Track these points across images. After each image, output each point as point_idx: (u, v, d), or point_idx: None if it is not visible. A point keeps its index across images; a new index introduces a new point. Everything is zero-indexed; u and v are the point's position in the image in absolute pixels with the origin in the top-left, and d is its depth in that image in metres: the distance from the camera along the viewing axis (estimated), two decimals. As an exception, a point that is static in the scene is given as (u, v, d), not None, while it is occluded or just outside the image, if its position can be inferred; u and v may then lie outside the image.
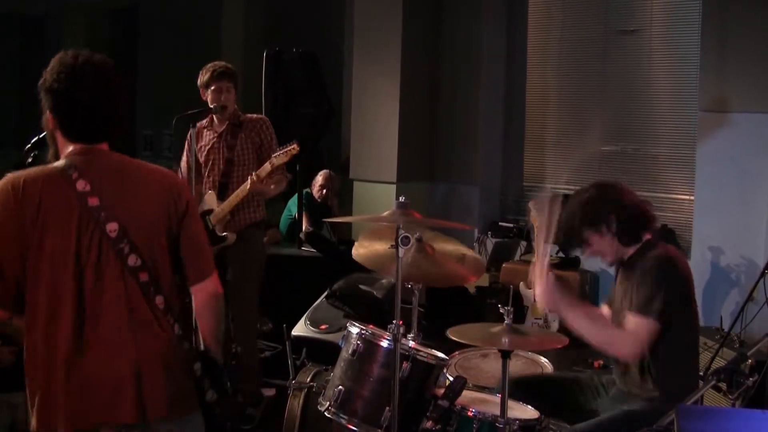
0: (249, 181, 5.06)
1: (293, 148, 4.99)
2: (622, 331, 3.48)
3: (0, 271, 2.49)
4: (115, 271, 2.52)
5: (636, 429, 3.40)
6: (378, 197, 8.15)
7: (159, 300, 2.57)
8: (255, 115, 5.47)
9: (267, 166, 5.04)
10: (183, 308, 2.70)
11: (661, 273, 3.48)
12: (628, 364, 3.63)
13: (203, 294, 2.71)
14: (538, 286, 3.63)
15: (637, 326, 3.44)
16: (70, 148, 2.61)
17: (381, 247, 3.72)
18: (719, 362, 4.66)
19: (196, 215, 2.76)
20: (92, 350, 2.49)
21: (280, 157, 5.01)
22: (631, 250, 3.65)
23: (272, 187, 5.23)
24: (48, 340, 2.49)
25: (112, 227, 2.52)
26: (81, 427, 2.49)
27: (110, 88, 2.61)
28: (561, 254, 7.40)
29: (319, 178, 7.85)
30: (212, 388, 2.61)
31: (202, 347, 2.71)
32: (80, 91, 2.56)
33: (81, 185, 2.51)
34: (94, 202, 2.51)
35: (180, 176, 5.44)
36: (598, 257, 3.75)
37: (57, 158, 2.64)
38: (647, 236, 3.63)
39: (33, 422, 2.52)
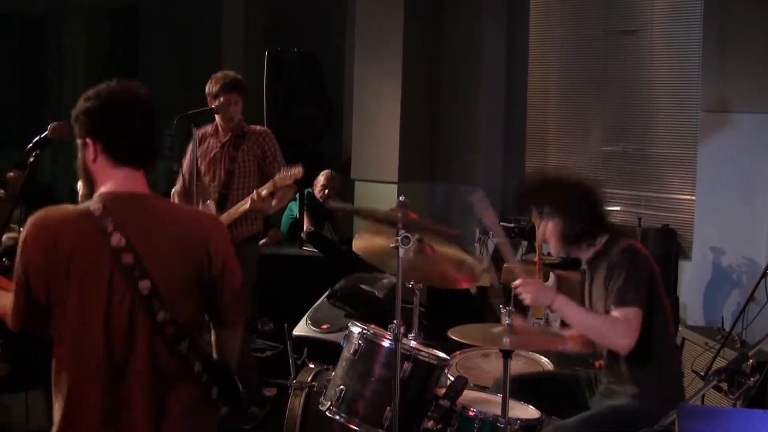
0: (249, 199, 5.07)
1: (298, 173, 4.99)
2: (615, 320, 3.46)
3: (17, 302, 2.53)
4: (145, 328, 2.50)
5: (619, 424, 3.42)
6: (379, 197, 8.15)
7: (183, 346, 2.54)
8: (258, 127, 5.48)
9: (270, 185, 5.04)
10: (201, 338, 2.70)
11: (630, 262, 3.50)
12: (610, 361, 3.65)
13: (229, 334, 2.75)
14: (529, 287, 3.63)
15: (623, 318, 3.43)
16: (112, 178, 2.56)
17: (381, 242, 3.73)
18: (720, 362, 4.65)
19: (232, 265, 2.70)
20: (118, 405, 2.50)
21: (284, 179, 5.01)
22: (590, 252, 3.68)
23: (273, 203, 5.23)
24: (73, 394, 2.50)
25: (144, 285, 2.48)
26: None
27: (152, 114, 2.63)
28: (561, 254, 7.40)
29: (321, 178, 7.85)
30: (225, 405, 2.63)
31: (215, 358, 2.71)
32: (131, 111, 2.56)
33: (116, 240, 2.46)
34: (128, 258, 2.47)
35: (182, 181, 5.43)
36: (544, 240, 3.78)
37: (92, 192, 2.60)
38: (604, 238, 3.65)
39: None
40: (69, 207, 2.57)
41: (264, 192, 5.04)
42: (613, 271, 3.49)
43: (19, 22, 15.02)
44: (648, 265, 3.56)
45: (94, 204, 2.51)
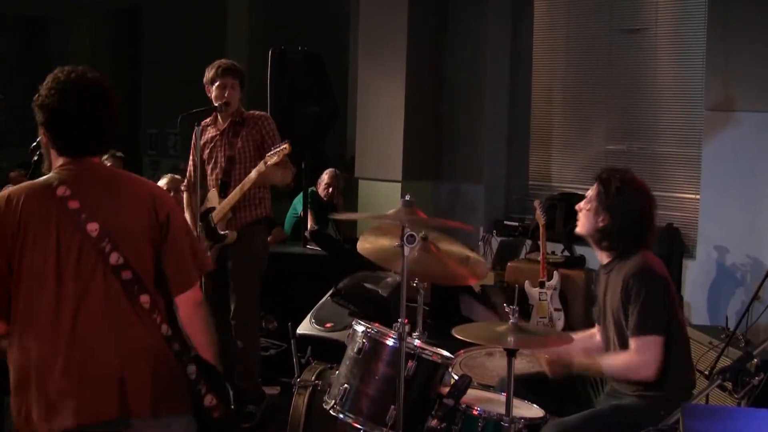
0: (253, 172, 5.05)
1: (285, 147, 4.98)
2: (633, 356, 3.50)
3: None
4: (96, 271, 2.54)
5: (623, 422, 3.43)
6: (383, 196, 8.15)
7: (144, 298, 2.58)
8: (257, 112, 5.46)
9: (261, 166, 5.03)
10: (171, 309, 2.70)
11: (648, 285, 3.51)
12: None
13: (187, 304, 2.72)
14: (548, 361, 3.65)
15: (642, 348, 3.48)
16: (60, 161, 2.67)
17: (386, 242, 3.73)
18: (725, 361, 4.64)
19: (179, 226, 2.75)
20: (75, 350, 2.51)
21: (272, 157, 5.01)
22: (608, 256, 3.68)
23: (279, 174, 5.20)
24: (29, 343, 2.51)
25: (92, 227, 2.55)
26: (65, 426, 2.50)
27: (99, 104, 2.67)
28: (566, 253, 7.40)
29: (325, 177, 7.85)
30: (211, 392, 2.61)
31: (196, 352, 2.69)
32: (68, 107, 2.62)
33: (61, 191, 2.56)
34: (74, 205, 2.55)
35: (188, 175, 5.45)
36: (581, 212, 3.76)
37: (50, 171, 2.70)
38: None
39: (15, 424, 2.55)
40: (21, 184, 2.67)
41: (269, 161, 5.01)
42: (630, 292, 3.51)
43: (22, 23, 15.04)
44: (664, 283, 3.58)
45: (47, 175, 2.64)
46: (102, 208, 2.58)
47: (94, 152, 2.71)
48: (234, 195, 5.16)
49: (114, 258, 2.55)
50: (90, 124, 2.66)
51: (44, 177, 2.64)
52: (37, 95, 2.66)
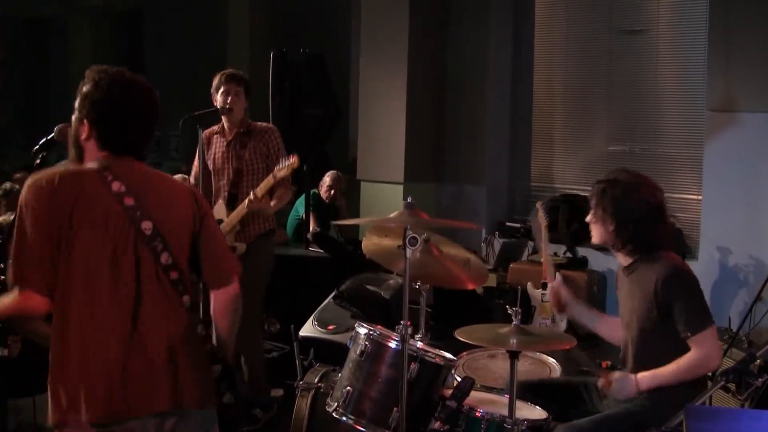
0: (246, 201, 5.07)
1: (294, 162, 5.00)
2: (696, 354, 3.48)
3: (41, 259, 2.53)
4: (149, 268, 2.60)
5: (634, 425, 3.42)
6: (385, 197, 8.16)
7: (186, 299, 2.66)
8: (263, 124, 5.48)
9: (270, 179, 5.05)
10: (203, 309, 2.79)
11: (683, 286, 3.54)
12: (628, 356, 3.65)
13: (225, 297, 2.80)
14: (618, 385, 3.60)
15: (704, 342, 3.47)
16: (102, 155, 2.67)
17: (388, 242, 3.73)
18: (728, 362, 4.64)
19: (215, 226, 2.86)
20: (131, 342, 2.55)
21: (282, 170, 5.02)
22: (629, 258, 3.67)
23: (273, 203, 5.23)
24: (84, 333, 2.53)
25: (146, 225, 2.60)
26: (118, 416, 2.54)
27: (152, 107, 2.75)
28: (569, 254, 7.40)
29: (327, 179, 7.86)
30: (229, 391, 2.71)
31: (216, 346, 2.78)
32: (128, 107, 2.67)
33: (116, 186, 2.59)
34: (129, 201, 2.59)
35: (191, 182, 5.45)
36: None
37: (80, 161, 2.70)
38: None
39: (55, 414, 2.55)
40: (65, 167, 2.68)
41: (259, 192, 5.04)
42: (670, 296, 3.50)
43: (24, 25, 15.07)
44: (695, 278, 3.61)
45: (92, 163, 2.65)
46: (154, 206, 2.63)
47: (139, 151, 2.74)
48: (241, 210, 5.17)
49: (165, 258, 2.62)
50: (142, 124, 2.72)
51: (90, 165, 2.65)
52: (86, 90, 2.66)
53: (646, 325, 3.56)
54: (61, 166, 2.71)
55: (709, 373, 4.09)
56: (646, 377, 3.54)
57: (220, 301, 2.79)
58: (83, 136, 2.68)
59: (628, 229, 3.61)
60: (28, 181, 2.60)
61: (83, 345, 2.53)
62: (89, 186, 2.58)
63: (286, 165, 5.01)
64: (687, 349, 3.51)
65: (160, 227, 2.62)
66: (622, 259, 3.73)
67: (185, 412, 2.62)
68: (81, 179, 2.60)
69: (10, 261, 2.57)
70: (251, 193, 5.06)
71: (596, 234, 3.73)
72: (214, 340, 2.80)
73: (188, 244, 2.71)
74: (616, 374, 3.61)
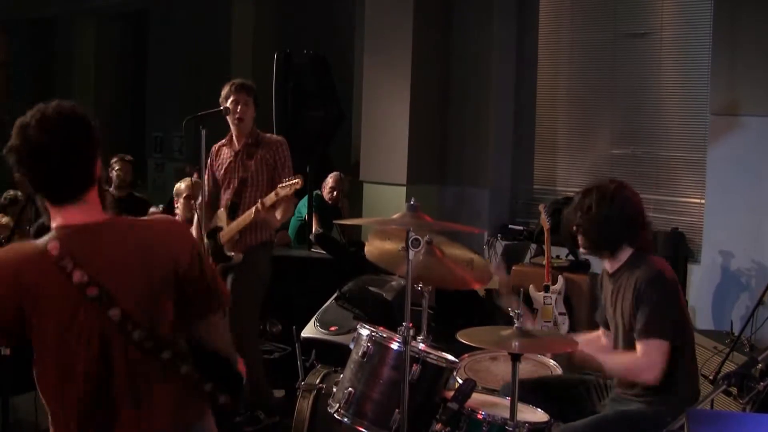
0: (254, 209, 5.09)
1: (297, 182, 5.00)
2: (637, 358, 3.52)
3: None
4: (122, 350, 2.47)
5: (630, 429, 3.43)
6: (388, 199, 8.16)
7: (165, 355, 2.51)
8: (273, 136, 5.51)
9: (272, 196, 5.05)
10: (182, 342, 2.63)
11: (655, 292, 3.53)
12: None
13: (212, 322, 2.64)
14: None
15: (647, 350, 3.48)
16: (58, 215, 2.46)
17: (391, 246, 3.74)
18: (729, 366, 4.64)
19: (204, 260, 2.65)
20: (108, 420, 2.48)
21: (284, 188, 5.03)
22: (616, 264, 3.69)
23: (278, 216, 5.25)
24: (58, 419, 2.49)
25: (114, 313, 2.43)
26: None
27: (78, 140, 2.43)
28: (571, 257, 7.40)
29: (330, 180, 7.87)
30: (224, 392, 2.60)
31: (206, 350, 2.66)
32: (46, 151, 2.39)
33: (78, 276, 2.40)
34: (93, 292, 2.41)
35: (207, 194, 5.43)
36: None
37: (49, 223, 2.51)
38: (628, 252, 3.66)
39: None
40: (25, 245, 2.47)
41: (267, 202, 5.05)
42: (642, 298, 3.52)
43: (29, 26, 15.09)
44: (675, 288, 3.61)
45: (51, 242, 2.42)
46: (119, 284, 2.45)
47: (79, 192, 2.45)
48: (240, 222, 5.18)
49: (137, 335, 2.46)
50: (73, 169, 2.43)
51: (50, 246, 2.41)
52: (10, 142, 2.43)
53: (631, 330, 3.58)
54: (26, 244, 2.49)
55: (710, 377, 4.10)
56: (584, 354, 3.63)
57: (212, 326, 2.64)
58: (33, 191, 2.48)
59: (609, 238, 3.66)
60: None
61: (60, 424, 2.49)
62: (50, 278, 2.39)
63: (290, 184, 5.02)
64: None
65: (130, 310, 2.45)
66: (608, 265, 3.76)
67: None
68: (41, 269, 2.40)
69: None
70: (259, 201, 5.07)
71: (582, 246, 3.78)
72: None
73: (170, 298, 2.54)
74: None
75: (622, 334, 3.65)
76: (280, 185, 5.05)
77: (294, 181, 5.02)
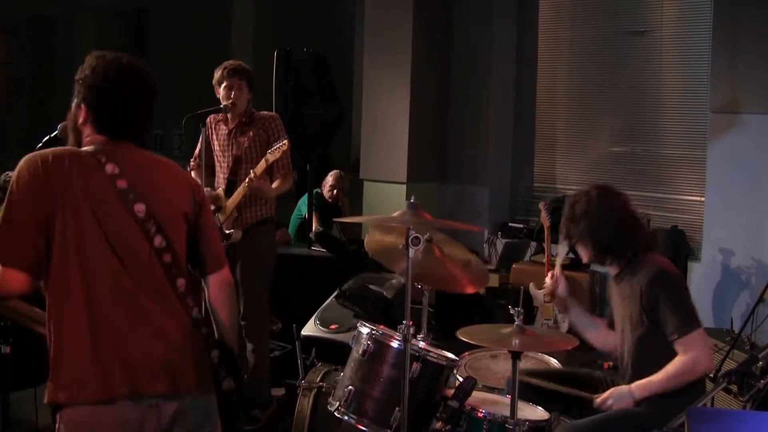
0: (246, 180, 5.08)
1: (283, 144, 5.00)
2: (684, 358, 3.48)
3: (27, 237, 2.51)
4: (142, 251, 2.59)
5: (633, 427, 3.42)
6: (388, 197, 8.16)
7: (180, 282, 2.64)
8: (266, 112, 5.47)
9: (262, 164, 5.05)
10: (200, 295, 2.77)
11: (667, 289, 3.53)
12: (625, 365, 3.65)
13: (221, 281, 2.81)
14: (614, 396, 3.60)
15: (692, 345, 3.46)
16: (99, 138, 2.67)
17: (391, 240, 3.73)
18: (730, 364, 4.64)
19: (210, 212, 2.87)
20: (125, 324, 2.54)
21: (273, 153, 5.02)
22: (616, 267, 3.69)
23: (273, 185, 5.22)
24: (79, 313, 2.51)
25: (139, 208, 2.58)
26: (117, 395, 2.51)
27: (149, 90, 2.75)
28: (571, 255, 7.39)
29: (330, 179, 7.86)
30: (229, 376, 2.66)
31: (217, 336, 2.76)
32: (124, 90, 2.67)
33: (110, 168, 2.58)
34: (122, 184, 2.58)
35: (195, 173, 5.47)
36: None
37: (78, 147, 2.69)
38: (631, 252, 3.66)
39: (54, 392, 2.51)
40: (61, 147, 2.66)
41: (258, 170, 5.03)
42: (656, 299, 3.50)
43: (29, 25, 15.09)
44: (680, 279, 3.63)
45: (87, 147, 2.64)
46: (147, 189, 2.62)
47: (137, 136, 2.73)
48: (235, 197, 5.16)
49: (158, 241, 2.60)
50: (139, 108, 2.71)
51: (86, 148, 2.64)
52: (82, 75, 2.68)
53: (640, 332, 3.57)
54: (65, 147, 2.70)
55: (710, 375, 4.09)
56: (640, 386, 3.56)
57: (216, 284, 2.80)
58: (80, 121, 2.69)
59: (605, 243, 3.65)
60: (24, 158, 2.58)
61: (77, 327, 2.51)
62: (82, 165, 2.57)
63: (277, 148, 5.00)
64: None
65: (154, 210, 2.61)
66: (611, 270, 3.76)
67: (184, 398, 2.60)
68: (74, 159, 2.58)
69: None
70: (251, 172, 5.06)
71: (582, 255, 3.79)
72: (214, 327, 2.79)
73: (184, 229, 2.70)
74: (611, 391, 3.61)
75: (629, 335, 3.63)
76: (269, 151, 5.04)
77: (281, 143, 5.00)
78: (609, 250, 3.68)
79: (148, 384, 2.54)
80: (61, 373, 2.52)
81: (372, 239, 3.89)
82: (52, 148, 2.63)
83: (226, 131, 5.33)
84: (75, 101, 2.71)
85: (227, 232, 5.20)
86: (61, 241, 2.52)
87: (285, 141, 5.00)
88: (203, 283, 2.81)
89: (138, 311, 2.56)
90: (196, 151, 5.46)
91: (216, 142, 5.36)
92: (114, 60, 2.70)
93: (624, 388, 3.58)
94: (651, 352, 3.56)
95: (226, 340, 2.76)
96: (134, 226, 2.58)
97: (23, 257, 2.51)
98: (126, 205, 2.58)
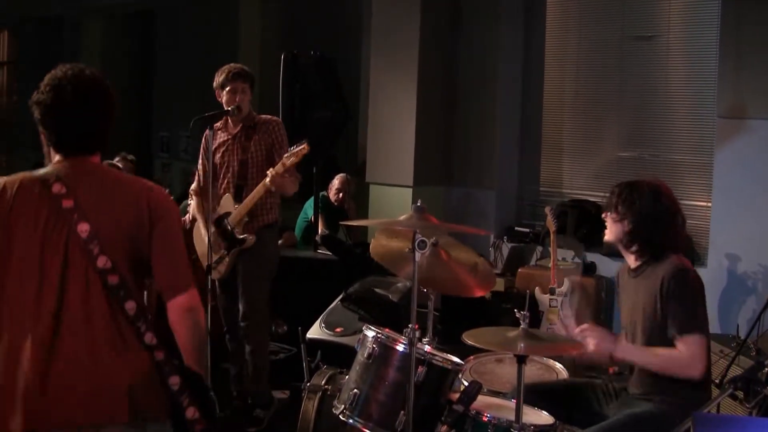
0: (261, 185, 5.07)
1: (303, 147, 5.00)
2: (679, 353, 3.47)
3: None
4: (81, 273, 2.51)
5: (640, 430, 3.41)
6: (394, 201, 8.15)
7: (130, 305, 2.53)
8: (268, 117, 5.48)
9: (279, 167, 5.05)
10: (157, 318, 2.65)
11: (687, 287, 3.52)
12: (640, 374, 3.64)
13: (176, 309, 2.63)
14: (594, 333, 3.61)
15: (689, 346, 3.45)
16: (57, 158, 2.66)
17: (396, 244, 3.73)
18: (736, 370, 4.63)
19: (174, 229, 2.70)
20: (53, 352, 2.46)
21: (291, 157, 5.02)
22: (638, 260, 3.67)
23: (291, 182, 5.22)
24: (9, 336, 2.48)
25: (83, 228, 2.51)
26: (33, 428, 2.44)
27: (94, 101, 2.64)
28: (577, 260, 7.39)
29: (336, 182, 7.87)
30: (194, 405, 2.54)
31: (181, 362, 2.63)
32: (62, 103, 2.60)
33: (57, 188, 2.54)
34: (68, 203, 2.53)
35: (198, 180, 5.47)
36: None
37: None
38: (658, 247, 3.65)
39: None
40: (18, 174, 2.66)
41: (280, 169, 5.02)
42: (671, 292, 3.49)
43: (37, 25, 15.12)
44: (699, 284, 3.59)
45: (42, 169, 2.63)
46: (95, 208, 2.55)
47: (90, 150, 2.66)
48: (248, 201, 5.17)
49: (102, 261, 2.50)
50: (84, 121, 2.63)
51: (42, 170, 2.62)
52: (34, 96, 2.65)
53: (653, 324, 3.55)
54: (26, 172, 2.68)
55: (716, 381, 4.08)
56: (625, 347, 3.58)
57: (172, 310, 2.62)
58: (45, 143, 2.69)
59: (644, 229, 3.63)
60: None
61: (8, 349, 2.47)
62: (28, 188, 2.56)
63: (296, 152, 5.00)
64: None
65: (101, 229, 2.52)
66: (630, 261, 3.73)
67: (116, 427, 2.47)
68: (22, 182, 2.57)
69: None
70: (268, 173, 5.04)
71: (611, 231, 3.74)
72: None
73: (132, 248, 2.58)
74: (600, 329, 3.63)
75: (640, 329, 3.62)
76: (286, 154, 5.03)
77: (300, 147, 5.00)
78: (646, 243, 3.64)
79: (69, 414, 2.44)
80: None
81: (377, 244, 3.89)
82: (11, 176, 2.62)
83: (228, 137, 5.34)
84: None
85: (240, 237, 5.21)
86: (5, 263, 2.51)
87: (305, 145, 5.01)
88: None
89: (64, 336, 2.46)
90: (199, 167, 5.44)
91: (216, 149, 5.36)
92: (59, 73, 2.64)
93: (611, 337, 3.61)
94: (660, 346, 3.55)
95: (187, 363, 2.61)
96: (76, 247, 2.51)
97: None
98: (68, 225, 2.52)
